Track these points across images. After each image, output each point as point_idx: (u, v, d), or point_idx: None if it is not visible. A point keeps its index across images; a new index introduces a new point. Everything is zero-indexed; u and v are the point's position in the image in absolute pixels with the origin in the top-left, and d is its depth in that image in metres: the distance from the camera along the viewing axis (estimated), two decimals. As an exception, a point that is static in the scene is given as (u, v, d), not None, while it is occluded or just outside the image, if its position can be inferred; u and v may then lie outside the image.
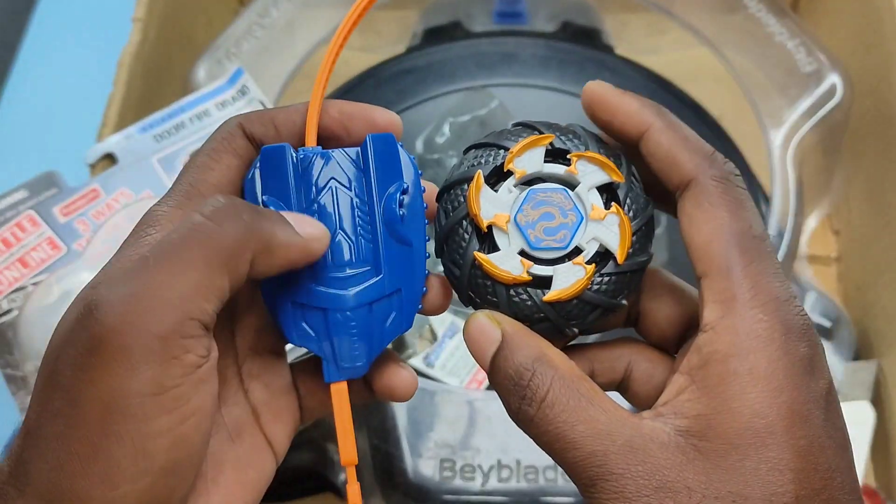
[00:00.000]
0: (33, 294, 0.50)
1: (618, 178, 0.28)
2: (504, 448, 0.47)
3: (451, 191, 0.29)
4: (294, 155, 0.28)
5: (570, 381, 0.26)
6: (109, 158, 0.55)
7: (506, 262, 0.28)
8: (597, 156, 0.28)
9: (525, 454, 0.47)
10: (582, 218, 0.28)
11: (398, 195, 0.28)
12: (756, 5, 0.62)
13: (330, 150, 0.29)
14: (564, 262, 0.28)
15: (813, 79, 0.58)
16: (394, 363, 0.30)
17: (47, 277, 0.50)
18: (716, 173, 0.26)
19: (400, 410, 0.48)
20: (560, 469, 0.47)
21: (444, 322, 0.55)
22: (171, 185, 0.28)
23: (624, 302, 0.28)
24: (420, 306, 0.29)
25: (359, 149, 0.29)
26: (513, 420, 0.27)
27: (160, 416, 0.23)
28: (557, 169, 0.28)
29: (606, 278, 0.28)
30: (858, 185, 0.64)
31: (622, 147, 0.29)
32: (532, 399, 0.25)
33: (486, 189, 0.28)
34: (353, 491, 0.29)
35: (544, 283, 0.28)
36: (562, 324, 0.28)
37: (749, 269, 0.25)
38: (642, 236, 0.28)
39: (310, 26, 0.64)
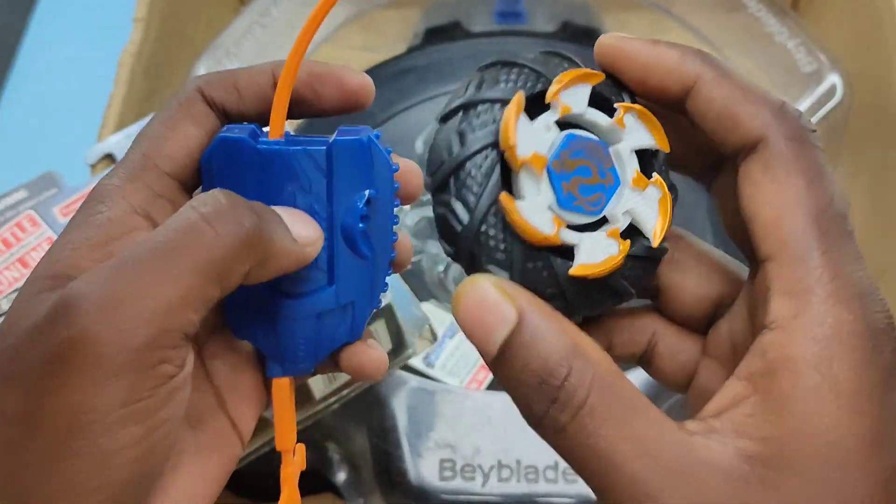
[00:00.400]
0: (33, 294, 0.50)
1: (664, 145, 0.23)
2: (504, 448, 0.47)
3: (471, 109, 0.23)
4: (254, 147, 0.26)
5: (612, 382, 0.21)
6: (110, 158, 0.55)
7: (536, 216, 0.22)
8: (648, 113, 0.23)
9: (525, 454, 0.47)
10: (619, 183, 0.23)
11: (361, 205, 0.26)
12: (756, 5, 0.62)
13: (293, 148, 0.26)
14: (594, 231, 0.23)
15: (813, 79, 0.59)
16: (362, 343, 0.27)
17: (47, 277, 0.50)
18: (790, 131, 0.22)
19: (400, 410, 0.48)
20: (561, 469, 0.47)
21: (444, 322, 0.55)
22: (123, 156, 0.25)
23: (635, 293, 0.24)
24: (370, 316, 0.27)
25: (325, 150, 0.26)
26: (532, 425, 0.21)
27: (126, 429, 0.21)
28: (601, 118, 0.23)
29: (631, 262, 0.23)
30: (858, 184, 0.64)
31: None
32: (567, 404, 0.20)
33: (524, 118, 0.22)
34: (287, 473, 0.27)
35: (566, 253, 0.23)
36: (576, 307, 0.23)
37: (830, 256, 0.20)
38: (671, 222, 0.24)
39: (310, 26, 0.64)
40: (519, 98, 0.22)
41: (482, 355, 0.22)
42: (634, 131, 0.23)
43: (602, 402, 0.20)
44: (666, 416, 0.21)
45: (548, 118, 0.23)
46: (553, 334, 0.21)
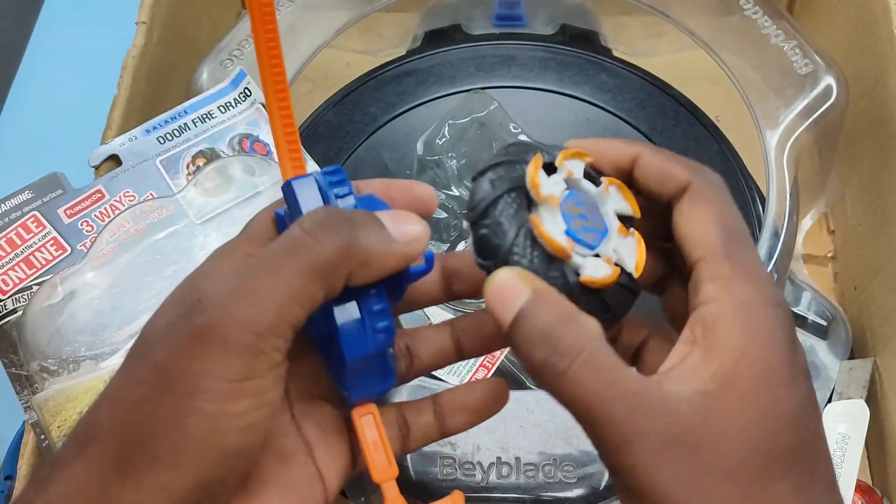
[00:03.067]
0: (38, 294, 0.50)
1: (636, 211, 0.31)
2: (504, 445, 0.48)
3: (502, 166, 0.30)
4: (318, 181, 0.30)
5: (600, 344, 0.27)
6: (113, 160, 0.55)
7: (598, 270, 0.29)
8: (570, 152, 0.31)
9: (525, 451, 0.48)
10: (606, 231, 0.30)
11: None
12: (752, 7, 0.62)
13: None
14: (619, 242, 0.31)
15: (809, 80, 0.59)
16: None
17: (52, 277, 0.51)
18: (706, 178, 0.30)
19: (400, 408, 0.48)
20: (560, 466, 0.48)
21: (444, 321, 0.55)
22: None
23: (620, 318, 0.31)
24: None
25: (283, 187, 0.30)
26: (533, 374, 0.27)
27: (241, 400, 0.25)
28: (591, 187, 0.31)
29: (618, 288, 0.30)
30: (854, 185, 0.64)
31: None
32: (565, 355, 0.26)
33: (542, 171, 0.30)
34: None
35: (576, 266, 0.29)
36: (639, 288, 0.31)
37: (741, 254, 0.29)
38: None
39: (311, 29, 0.64)
40: (538, 156, 0.30)
41: (501, 326, 0.28)
42: (617, 200, 0.31)
43: (592, 358, 0.26)
44: (637, 372, 0.28)
45: (558, 176, 0.30)
46: (557, 306, 0.28)
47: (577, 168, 0.31)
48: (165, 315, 0.27)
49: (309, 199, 0.29)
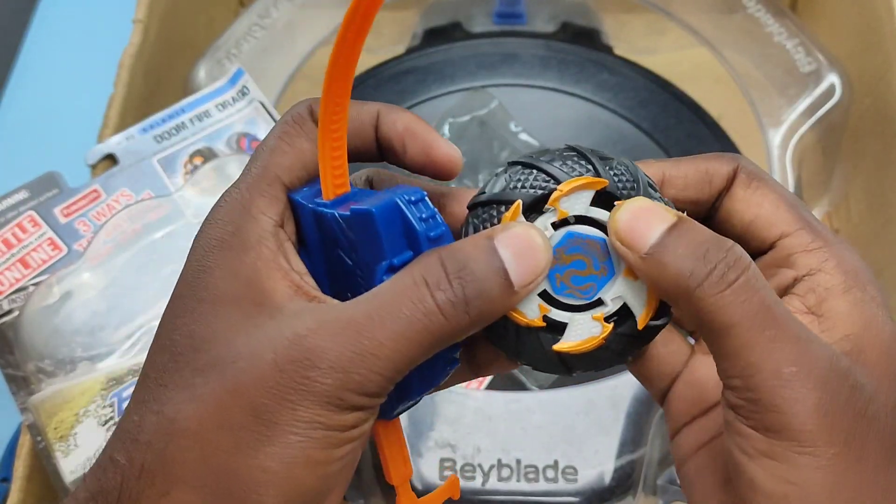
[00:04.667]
0: (34, 294, 0.50)
1: (600, 184, 0.27)
2: (504, 447, 0.47)
3: (485, 208, 0.27)
4: (306, 206, 0.27)
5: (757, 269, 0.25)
6: (110, 159, 0.55)
7: (583, 332, 0.27)
8: (568, 184, 0.27)
9: (525, 453, 0.47)
10: (612, 274, 0.27)
11: (383, 276, 0.26)
12: (755, 5, 0.62)
13: (326, 211, 0.27)
14: (584, 312, 0.27)
15: (812, 78, 0.59)
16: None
17: (48, 278, 0.50)
18: (749, 163, 0.29)
19: (400, 410, 0.48)
20: (560, 468, 0.47)
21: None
22: (245, 170, 0.28)
23: (630, 359, 0.29)
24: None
25: (349, 215, 0.26)
26: (686, 291, 0.24)
27: (342, 447, 0.25)
28: (602, 215, 0.27)
29: (620, 338, 0.27)
30: (857, 183, 0.64)
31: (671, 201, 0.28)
32: (736, 263, 0.24)
33: (521, 220, 0.27)
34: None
35: (558, 328, 0.27)
36: (563, 371, 0.28)
37: (817, 226, 0.28)
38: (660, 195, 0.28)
39: (310, 27, 0.64)
40: (516, 206, 0.26)
41: (633, 251, 0.25)
42: None
43: (757, 276, 0.24)
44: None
45: (545, 220, 0.27)
46: (709, 231, 0.25)
47: (578, 204, 0.27)
48: (257, 338, 0.25)
49: (395, 240, 0.26)
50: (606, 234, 0.27)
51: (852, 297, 0.26)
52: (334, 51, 0.25)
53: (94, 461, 0.26)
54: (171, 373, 0.25)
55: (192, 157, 0.55)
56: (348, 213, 0.26)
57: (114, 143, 0.55)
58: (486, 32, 0.68)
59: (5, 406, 0.51)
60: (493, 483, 0.47)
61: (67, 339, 0.49)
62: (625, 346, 0.27)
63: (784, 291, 0.27)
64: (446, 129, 0.61)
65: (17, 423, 0.54)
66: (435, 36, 0.69)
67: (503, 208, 0.27)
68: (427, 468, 0.47)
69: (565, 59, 0.65)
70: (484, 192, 0.27)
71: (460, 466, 0.47)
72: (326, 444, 0.24)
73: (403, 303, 0.25)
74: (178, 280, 0.27)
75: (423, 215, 0.26)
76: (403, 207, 0.26)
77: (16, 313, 0.50)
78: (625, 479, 0.47)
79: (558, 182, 0.27)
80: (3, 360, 0.50)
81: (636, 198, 0.26)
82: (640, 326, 0.27)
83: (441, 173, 0.28)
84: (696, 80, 0.66)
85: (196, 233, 0.28)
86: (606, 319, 0.27)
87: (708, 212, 0.29)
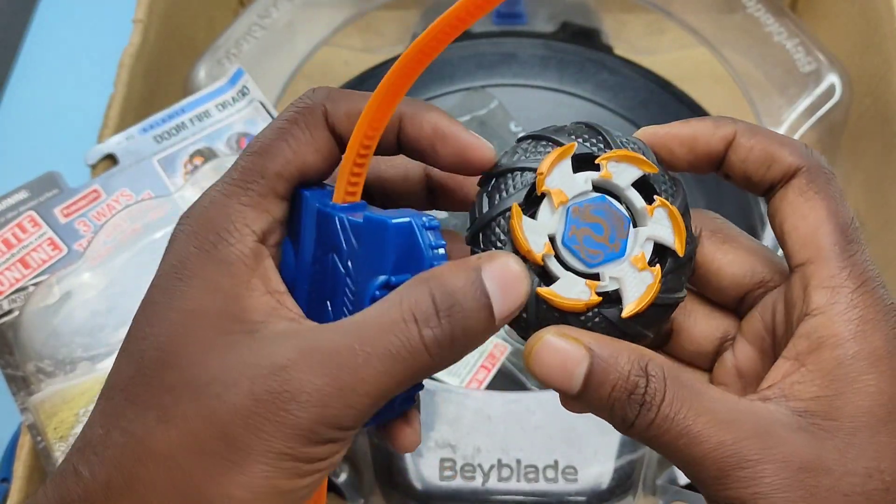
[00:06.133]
0: (34, 294, 0.50)
1: (650, 168, 0.27)
2: (504, 447, 0.47)
3: (486, 231, 0.27)
4: (313, 206, 0.27)
5: (678, 375, 0.25)
6: (110, 159, 0.55)
7: (571, 290, 0.26)
8: (624, 153, 0.27)
9: (525, 453, 0.47)
10: (629, 220, 0.27)
11: (373, 289, 0.26)
12: (755, 5, 0.62)
13: (336, 213, 0.26)
14: (628, 271, 0.26)
15: (812, 78, 0.59)
16: (404, 423, 0.29)
17: (48, 278, 0.50)
18: (816, 164, 0.27)
19: (400, 410, 0.48)
20: (560, 468, 0.47)
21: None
22: (237, 166, 0.27)
23: (685, 292, 0.27)
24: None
25: (360, 223, 0.26)
26: (624, 431, 0.25)
27: (308, 477, 0.24)
28: (590, 177, 0.27)
29: (671, 275, 0.27)
30: (857, 183, 0.64)
31: (640, 139, 0.28)
32: (652, 403, 0.24)
33: (526, 220, 0.26)
34: None
35: (614, 298, 0.26)
36: (640, 334, 0.27)
37: (855, 258, 0.26)
38: (687, 219, 0.27)
39: (310, 27, 0.64)
40: (515, 209, 0.26)
41: (565, 394, 0.25)
42: (622, 172, 0.27)
43: (675, 393, 0.24)
44: (725, 391, 0.25)
45: (589, 175, 0.26)
46: (622, 354, 0.25)
47: (625, 176, 0.27)
48: (236, 372, 0.24)
49: (400, 259, 0.25)
50: (603, 190, 0.27)
51: (843, 353, 0.25)
52: (400, 63, 0.24)
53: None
54: (139, 387, 0.25)
55: (192, 157, 0.55)
56: (360, 220, 0.26)
57: (114, 143, 0.55)
58: (485, 32, 0.68)
59: (5, 406, 0.51)
60: (493, 483, 0.47)
61: (67, 340, 0.49)
62: (677, 279, 0.27)
63: (791, 331, 0.26)
64: (446, 129, 0.61)
65: (17, 423, 0.54)
66: (435, 36, 0.68)
67: (530, 175, 0.26)
68: (427, 468, 0.47)
69: (565, 58, 0.65)
70: (499, 164, 0.27)
71: (460, 466, 0.47)
72: (295, 475, 0.24)
73: (389, 339, 0.24)
74: (154, 282, 0.26)
75: (433, 244, 0.26)
76: (417, 230, 0.25)
77: (16, 313, 0.50)
78: (625, 479, 0.47)
79: (608, 145, 0.27)
80: (2, 361, 0.50)
81: (538, 334, 0.25)
82: (623, 315, 0.26)
83: (475, 172, 0.28)
84: (696, 80, 0.66)
85: (177, 225, 0.27)
86: (651, 264, 0.26)
87: (764, 193, 0.28)
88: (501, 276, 0.25)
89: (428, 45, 0.24)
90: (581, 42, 0.67)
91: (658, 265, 0.27)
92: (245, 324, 0.25)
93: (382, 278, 0.26)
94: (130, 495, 0.24)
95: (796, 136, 0.57)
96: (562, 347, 0.25)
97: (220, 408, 0.24)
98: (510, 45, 0.66)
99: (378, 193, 0.29)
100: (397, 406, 0.27)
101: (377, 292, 0.25)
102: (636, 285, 0.26)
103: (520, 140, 0.27)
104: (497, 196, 0.27)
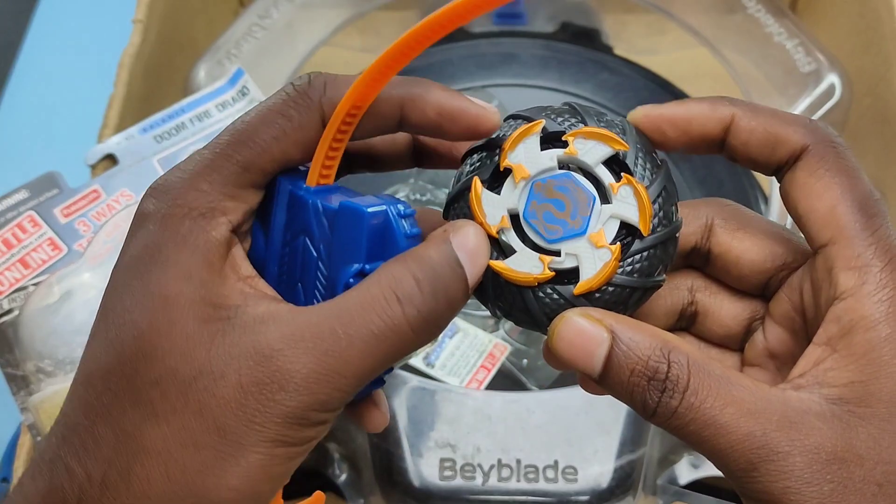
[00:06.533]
0: (34, 294, 0.50)
1: (621, 146, 0.26)
2: (504, 447, 0.47)
3: (455, 204, 0.27)
4: (287, 188, 0.27)
5: (703, 363, 0.24)
6: (110, 159, 0.55)
7: (524, 264, 0.26)
8: (593, 129, 0.26)
9: (525, 453, 0.47)
10: (594, 198, 0.26)
11: (348, 277, 0.26)
12: (755, 5, 0.62)
13: (309, 198, 0.26)
14: (586, 248, 0.26)
15: (812, 78, 0.59)
16: (372, 404, 0.29)
17: (48, 278, 0.50)
18: (824, 139, 0.26)
19: (400, 410, 0.48)
20: (560, 468, 0.47)
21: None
22: (218, 143, 0.26)
23: (663, 277, 0.27)
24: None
25: (334, 209, 0.26)
26: (647, 417, 0.25)
27: (295, 460, 0.25)
28: (556, 154, 0.26)
29: (637, 256, 0.26)
30: (857, 184, 0.64)
31: (623, 117, 0.27)
32: (674, 390, 0.24)
33: (486, 194, 0.26)
34: None
35: (572, 275, 0.26)
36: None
37: (878, 234, 0.25)
38: (665, 202, 0.26)
39: (310, 27, 0.64)
40: (475, 183, 0.26)
41: (587, 375, 0.25)
42: (589, 150, 0.26)
43: (701, 381, 0.24)
44: (756, 381, 0.24)
45: (555, 152, 0.26)
46: (644, 338, 0.24)
47: (528, 153, 0.26)
48: (222, 363, 0.24)
49: (374, 247, 0.26)
50: (598, 195, 0.26)
51: (876, 335, 0.24)
52: (392, 50, 0.24)
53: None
54: (121, 379, 0.24)
55: (192, 157, 0.55)
56: (335, 206, 0.26)
57: (114, 143, 0.55)
58: (485, 32, 0.68)
59: (5, 406, 0.51)
60: (493, 483, 0.47)
61: (67, 339, 0.49)
62: (646, 262, 0.26)
63: (821, 314, 0.25)
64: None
65: (17, 423, 0.54)
66: (435, 36, 0.68)
67: (487, 153, 0.27)
68: (427, 468, 0.47)
69: (565, 59, 0.65)
70: (450, 193, 0.27)
71: (460, 466, 0.47)
72: (287, 458, 0.25)
73: (372, 319, 0.24)
74: (125, 262, 0.26)
75: (408, 232, 0.26)
76: (392, 219, 0.26)
77: (16, 313, 0.50)
78: (625, 479, 0.47)
79: (585, 125, 0.26)
80: (2, 360, 0.50)
81: (563, 315, 0.25)
82: (575, 292, 0.26)
83: (481, 135, 0.27)
84: (696, 81, 0.66)
85: (145, 196, 0.26)
86: (611, 243, 0.26)
87: (773, 174, 0.27)
88: (465, 244, 0.25)
89: (419, 37, 0.24)
90: (581, 42, 0.67)
91: (619, 244, 0.26)
92: (222, 309, 0.25)
93: (357, 266, 0.26)
94: (129, 493, 0.24)
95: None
96: (583, 328, 0.25)
97: (210, 401, 0.24)
98: (510, 46, 0.66)
99: (363, 158, 0.29)
100: (367, 387, 0.27)
101: (351, 279, 0.26)
102: (592, 262, 0.26)
103: (505, 119, 0.28)
104: (465, 172, 0.27)
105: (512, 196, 0.26)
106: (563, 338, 0.25)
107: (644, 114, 0.27)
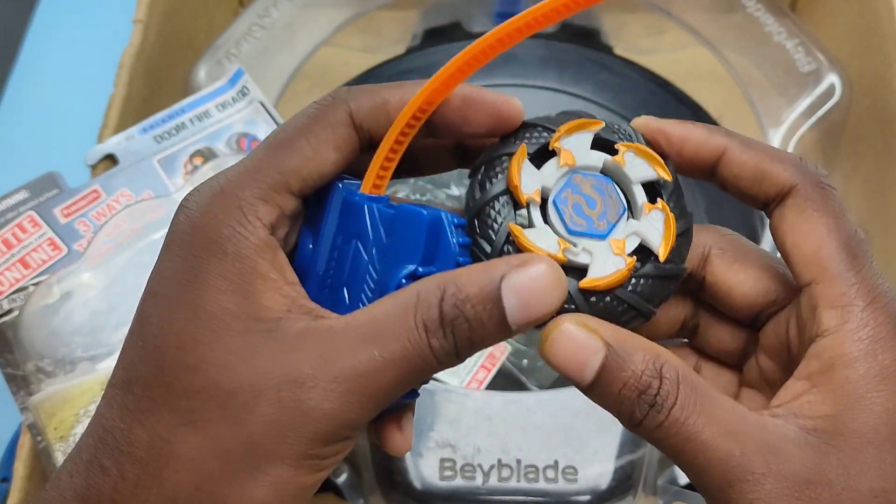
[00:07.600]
0: (34, 294, 0.50)
1: (666, 175, 0.27)
2: (504, 447, 0.47)
3: (490, 164, 0.27)
4: (341, 193, 0.28)
5: (692, 380, 0.25)
6: (110, 159, 0.55)
7: (542, 240, 0.26)
8: (646, 150, 0.27)
9: (525, 453, 0.47)
10: (624, 210, 0.27)
11: (399, 277, 0.26)
12: (755, 5, 0.62)
13: (366, 203, 0.27)
14: (603, 251, 0.26)
15: (811, 78, 0.59)
16: (396, 427, 0.29)
17: (48, 278, 0.50)
18: (812, 179, 0.27)
19: (400, 410, 0.48)
20: (560, 468, 0.47)
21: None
22: (252, 156, 0.26)
23: (656, 311, 0.27)
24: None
25: (392, 213, 0.27)
26: (631, 428, 0.25)
27: (317, 473, 0.25)
28: (604, 158, 0.27)
29: (643, 280, 0.26)
30: (857, 184, 0.64)
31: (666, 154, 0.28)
32: (663, 405, 0.24)
33: (528, 164, 0.27)
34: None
35: (578, 272, 0.26)
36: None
37: (862, 274, 0.25)
38: (683, 243, 0.27)
39: (310, 27, 0.64)
40: (521, 149, 0.27)
41: (577, 384, 0.25)
42: (636, 166, 0.27)
43: (687, 398, 0.24)
44: (738, 403, 0.25)
45: (553, 163, 0.27)
46: (639, 350, 0.25)
47: (580, 144, 0.27)
48: (261, 381, 0.25)
49: (429, 251, 0.26)
50: (611, 176, 0.27)
51: (854, 373, 0.24)
52: (465, 54, 0.25)
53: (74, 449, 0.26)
54: (160, 387, 0.25)
55: (192, 157, 0.55)
56: (392, 210, 0.27)
57: (114, 144, 0.55)
58: (485, 32, 0.68)
59: (5, 406, 0.51)
60: (493, 483, 0.47)
61: (67, 339, 0.49)
62: (649, 288, 0.27)
63: (804, 349, 0.26)
64: (446, 129, 0.61)
65: (17, 423, 0.54)
66: (435, 36, 0.68)
67: (506, 159, 0.27)
68: (427, 468, 0.47)
69: (565, 59, 0.65)
70: (486, 154, 0.28)
71: (460, 466, 0.47)
72: (315, 470, 0.25)
73: (405, 345, 0.24)
74: (162, 273, 0.26)
75: (460, 241, 0.26)
76: (447, 226, 0.26)
77: (16, 313, 0.50)
78: (625, 479, 0.47)
79: (632, 141, 0.27)
80: (2, 360, 0.50)
81: (557, 321, 0.25)
82: (580, 285, 0.26)
83: (509, 129, 0.28)
84: (696, 80, 0.66)
85: (182, 204, 0.27)
86: (565, 253, 0.26)
87: (762, 208, 0.27)
88: (526, 287, 0.24)
89: (499, 40, 0.25)
90: (581, 42, 0.66)
91: (634, 258, 0.26)
92: (263, 322, 0.25)
93: (411, 268, 0.26)
94: (159, 496, 0.24)
95: (796, 137, 0.57)
96: (578, 337, 0.25)
97: (247, 417, 0.24)
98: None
99: (405, 163, 0.29)
100: (399, 399, 0.27)
101: (403, 280, 0.26)
102: (604, 265, 0.26)
103: (556, 114, 0.28)
104: (512, 141, 0.27)
105: (551, 177, 0.27)
106: (556, 346, 0.25)
107: (644, 123, 0.28)
